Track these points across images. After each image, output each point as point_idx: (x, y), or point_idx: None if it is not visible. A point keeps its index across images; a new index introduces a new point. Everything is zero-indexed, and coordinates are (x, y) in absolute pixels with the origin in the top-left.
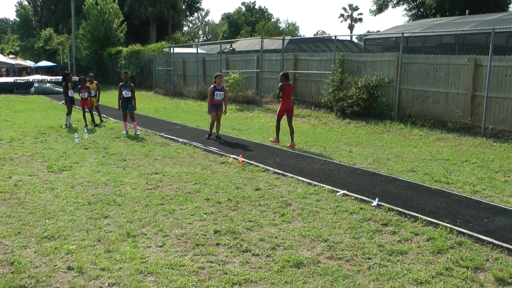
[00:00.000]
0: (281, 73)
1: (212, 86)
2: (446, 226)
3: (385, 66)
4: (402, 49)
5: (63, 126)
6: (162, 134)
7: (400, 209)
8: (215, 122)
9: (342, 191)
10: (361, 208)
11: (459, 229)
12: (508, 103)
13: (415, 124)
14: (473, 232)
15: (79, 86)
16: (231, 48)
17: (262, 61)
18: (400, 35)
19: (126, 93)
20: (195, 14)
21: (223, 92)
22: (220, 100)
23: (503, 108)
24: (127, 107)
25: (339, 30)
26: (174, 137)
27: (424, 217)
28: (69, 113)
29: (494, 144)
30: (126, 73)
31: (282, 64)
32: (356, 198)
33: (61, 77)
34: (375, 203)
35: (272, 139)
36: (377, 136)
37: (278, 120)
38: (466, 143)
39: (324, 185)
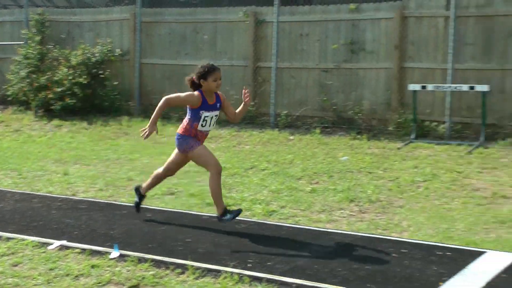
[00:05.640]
0: None
1: (197, 93)
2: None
3: (116, 29)
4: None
5: None
6: None
7: (155, 257)
8: None
9: (58, 242)
10: (93, 266)
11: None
12: (308, 75)
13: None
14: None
15: None
16: None
17: None
18: None
19: None
20: None
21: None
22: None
23: (300, 84)
24: None
25: None
26: None
27: (192, 263)
28: None
29: (292, 137)
30: None
31: None
32: (82, 250)
33: None
34: (114, 254)
35: None
36: (109, 143)
37: None
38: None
39: (26, 236)
